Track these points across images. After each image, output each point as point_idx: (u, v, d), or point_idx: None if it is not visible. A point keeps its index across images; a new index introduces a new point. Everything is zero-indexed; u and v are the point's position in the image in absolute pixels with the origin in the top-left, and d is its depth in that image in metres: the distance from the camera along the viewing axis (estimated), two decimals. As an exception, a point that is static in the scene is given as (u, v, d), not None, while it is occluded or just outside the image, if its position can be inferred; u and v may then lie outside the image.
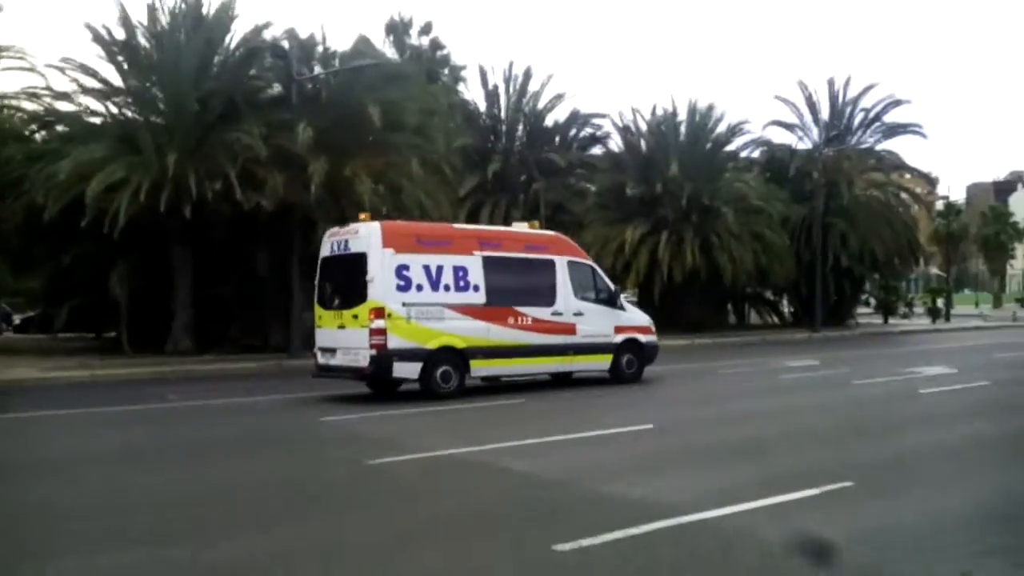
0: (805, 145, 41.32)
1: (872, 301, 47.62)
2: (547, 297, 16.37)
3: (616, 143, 37.47)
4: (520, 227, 18.12)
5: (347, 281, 15.00)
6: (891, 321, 44.95)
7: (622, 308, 18.03)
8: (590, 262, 17.97)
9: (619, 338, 17.40)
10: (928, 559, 6.15)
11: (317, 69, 26.03)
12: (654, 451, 10.46)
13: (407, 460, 9.55)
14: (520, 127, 37.21)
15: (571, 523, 6.90)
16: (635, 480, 8.54)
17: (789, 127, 41.56)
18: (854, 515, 7.28)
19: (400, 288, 14.56)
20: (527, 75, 36.73)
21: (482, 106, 37.41)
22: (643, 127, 36.06)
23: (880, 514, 7.37)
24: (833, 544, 6.13)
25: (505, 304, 15.71)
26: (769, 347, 28.96)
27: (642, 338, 17.90)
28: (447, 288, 15.09)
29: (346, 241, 15.30)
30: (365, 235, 14.86)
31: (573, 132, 37.90)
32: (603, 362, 17.34)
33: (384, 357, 14.29)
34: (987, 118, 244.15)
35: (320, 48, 26.59)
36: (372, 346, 14.24)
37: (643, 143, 35.95)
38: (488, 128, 37.26)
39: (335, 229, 16.12)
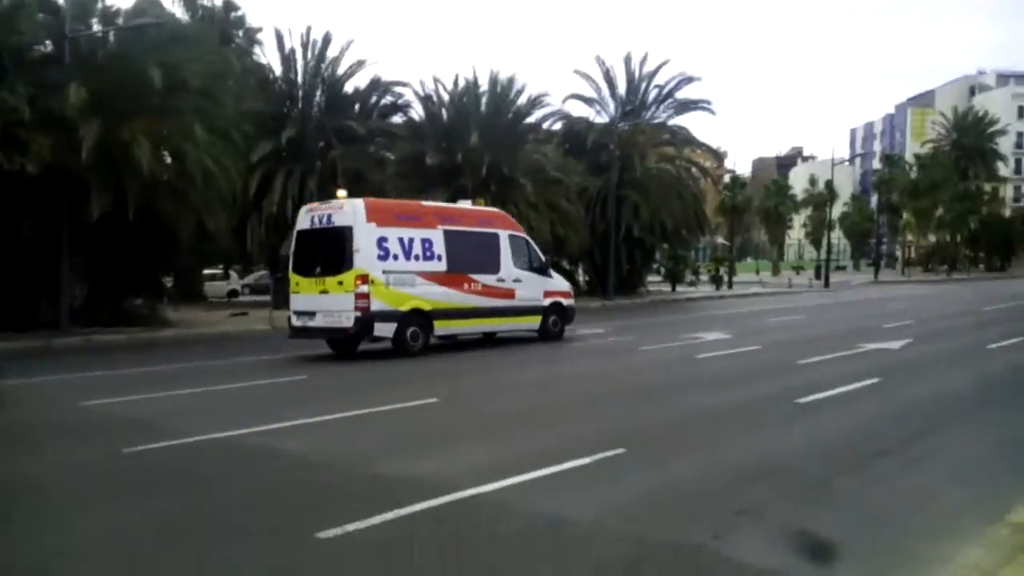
0: (603, 119, 42.59)
1: (662, 270, 49.79)
2: (493, 266, 18.97)
3: (418, 112, 37.07)
4: (465, 204, 20.79)
5: (330, 251, 16.71)
6: (679, 289, 47.21)
7: (549, 276, 20.67)
8: (525, 236, 20.68)
9: (547, 302, 20.13)
10: (686, 522, 6.35)
11: (96, 27, 24.13)
12: (434, 425, 10.34)
13: (169, 446, 8.92)
14: (318, 93, 35.93)
15: (338, 507, 6.65)
16: (410, 457, 8.38)
17: (588, 101, 42.72)
18: (624, 482, 7.46)
19: (380, 258, 16.62)
20: (326, 40, 35.51)
21: (278, 70, 35.92)
22: (445, 97, 35.84)
23: (648, 480, 7.57)
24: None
25: (461, 272, 18.14)
26: (565, 316, 29.58)
27: (565, 302, 20.68)
28: (417, 258, 17.30)
29: (329, 215, 17.08)
30: (350, 211, 16.69)
31: (374, 100, 36.99)
32: (535, 322, 19.92)
33: (367, 318, 16.29)
34: (773, 97, 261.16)
35: (99, 5, 24.66)
36: (357, 308, 16.19)
37: (445, 113, 35.74)
38: (284, 93, 35.78)
39: (314, 204, 18.19)
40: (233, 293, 42.29)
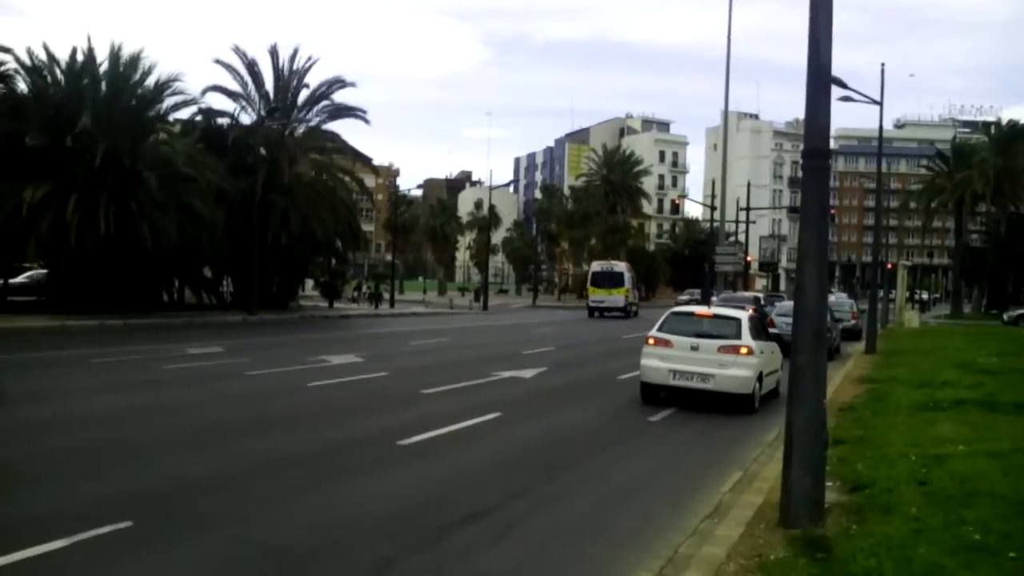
0: (250, 116, 38.89)
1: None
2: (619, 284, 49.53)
3: (27, 85, 31.18)
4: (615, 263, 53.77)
5: (613, 280, 48.14)
6: (337, 305, 44.67)
7: (632, 287, 52.56)
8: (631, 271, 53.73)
9: (633, 299, 51.32)
10: None
11: None
12: None
13: None
14: None
15: None
16: None
17: (232, 95, 38.51)
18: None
19: (628, 282, 49.19)
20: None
21: None
22: (58, 71, 30.44)
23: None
24: None
25: (636, 287, 55.22)
26: (190, 331, 25.94)
27: (634, 298, 52.81)
28: (632, 283, 50.90)
29: (612, 266, 50.45)
30: (623, 265, 51.34)
31: (-36, 66, 30.97)
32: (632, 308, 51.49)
33: (627, 305, 47.62)
34: (452, 120, 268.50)
35: None
36: (625, 300, 47.51)
37: (57, 90, 30.35)
38: None
39: (601, 261, 53.32)
40: None
